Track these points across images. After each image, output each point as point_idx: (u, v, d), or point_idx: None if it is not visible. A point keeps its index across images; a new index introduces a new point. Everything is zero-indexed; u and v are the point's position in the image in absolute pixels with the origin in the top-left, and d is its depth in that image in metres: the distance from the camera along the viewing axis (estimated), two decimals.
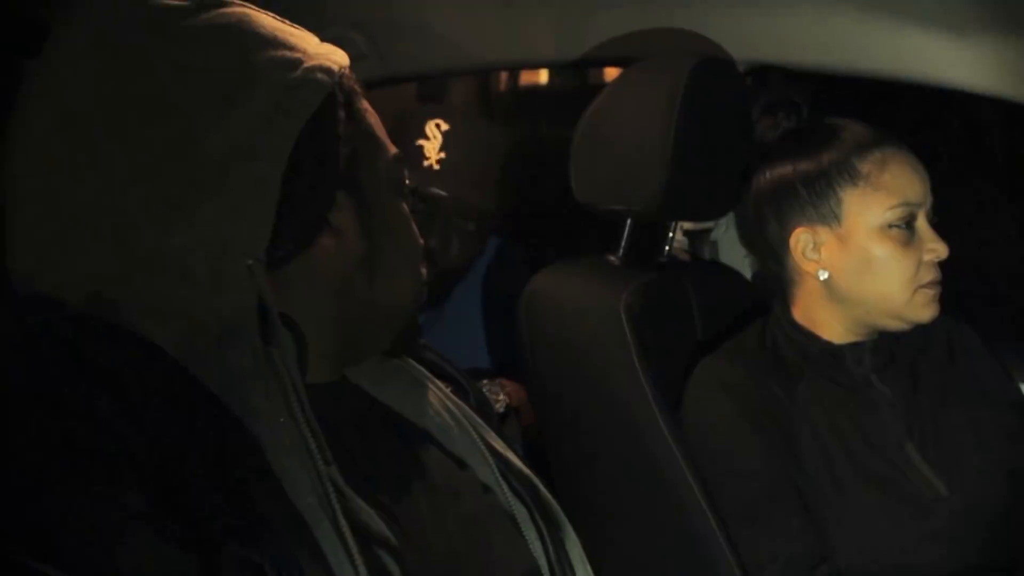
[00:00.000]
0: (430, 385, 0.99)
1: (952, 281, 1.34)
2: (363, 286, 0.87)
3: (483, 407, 1.08)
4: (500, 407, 1.72)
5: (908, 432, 1.33)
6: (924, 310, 1.33)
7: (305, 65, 0.82)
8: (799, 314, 1.41)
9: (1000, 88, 1.35)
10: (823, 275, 1.37)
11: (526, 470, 0.98)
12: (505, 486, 0.94)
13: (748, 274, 1.80)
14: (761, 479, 1.30)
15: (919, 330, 1.34)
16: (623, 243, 1.53)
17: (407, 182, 0.94)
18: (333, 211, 0.84)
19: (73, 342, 0.74)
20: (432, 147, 1.73)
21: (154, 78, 0.78)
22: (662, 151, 1.40)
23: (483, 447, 0.96)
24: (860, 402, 1.35)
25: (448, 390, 1.02)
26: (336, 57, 0.86)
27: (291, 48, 0.82)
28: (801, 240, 1.38)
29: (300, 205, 0.81)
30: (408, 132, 1.76)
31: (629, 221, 1.53)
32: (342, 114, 0.85)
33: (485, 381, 1.75)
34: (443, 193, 1.72)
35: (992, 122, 1.92)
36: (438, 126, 1.76)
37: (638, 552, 1.40)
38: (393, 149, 0.92)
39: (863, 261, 1.33)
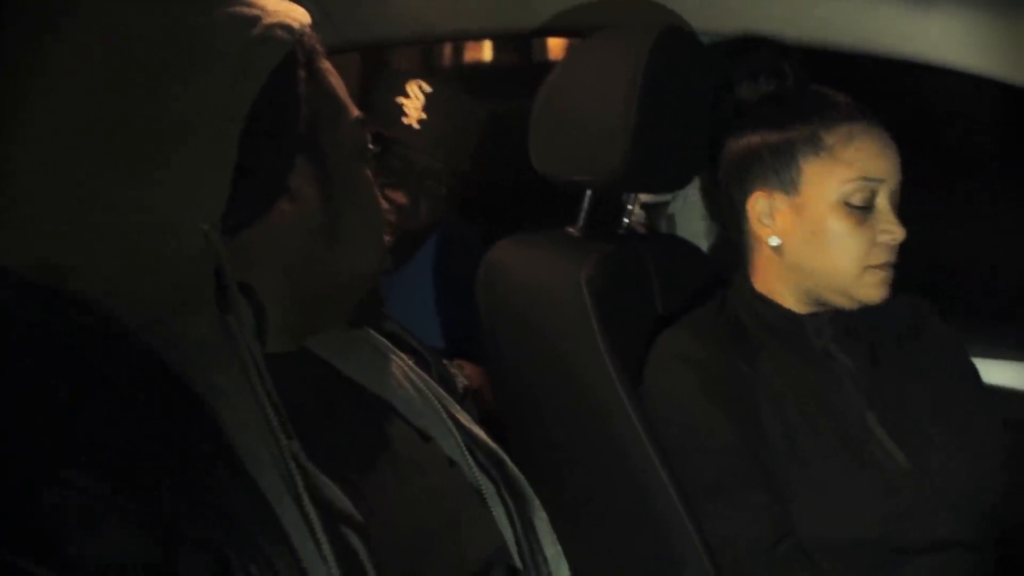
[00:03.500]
0: (392, 356, 0.96)
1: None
2: (323, 253, 0.84)
3: (445, 380, 1.06)
4: (458, 387, 1.69)
5: (869, 403, 1.33)
6: (872, 290, 1.32)
7: (264, 22, 0.78)
8: (758, 283, 1.40)
9: (967, 62, 1.34)
10: (774, 241, 1.36)
11: (492, 444, 0.96)
12: (471, 460, 0.92)
13: (705, 247, 1.79)
14: (724, 454, 1.29)
15: (880, 304, 1.34)
16: (583, 214, 1.50)
17: (371, 146, 0.91)
18: (292, 175, 0.80)
19: (17, 311, 0.70)
20: (413, 106, 1.70)
21: (110, 37, 0.73)
22: (624, 121, 1.37)
23: (448, 420, 0.94)
24: (821, 372, 1.34)
25: (411, 362, 1.00)
26: (296, 14, 0.82)
27: (249, 5, 0.79)
28: (758, 204, 1.37)
29: (258, 169, 0.77)
30: (390, 89, 1.72)
31: (589, 192, 1.50)
32: (302, 73, 0.81)
33: (444, 363, 1.71)
34: (421, 154, 1.68)
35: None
36: (420, 87, 1.72)
37: (602, 531, 1.38)
38: (356, 112, 0.88)
39: (814, 233, 1.32)
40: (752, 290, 1.40)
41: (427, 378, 0.97)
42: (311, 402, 0.85)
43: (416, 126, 1.69)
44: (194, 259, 0.73)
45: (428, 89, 1.71)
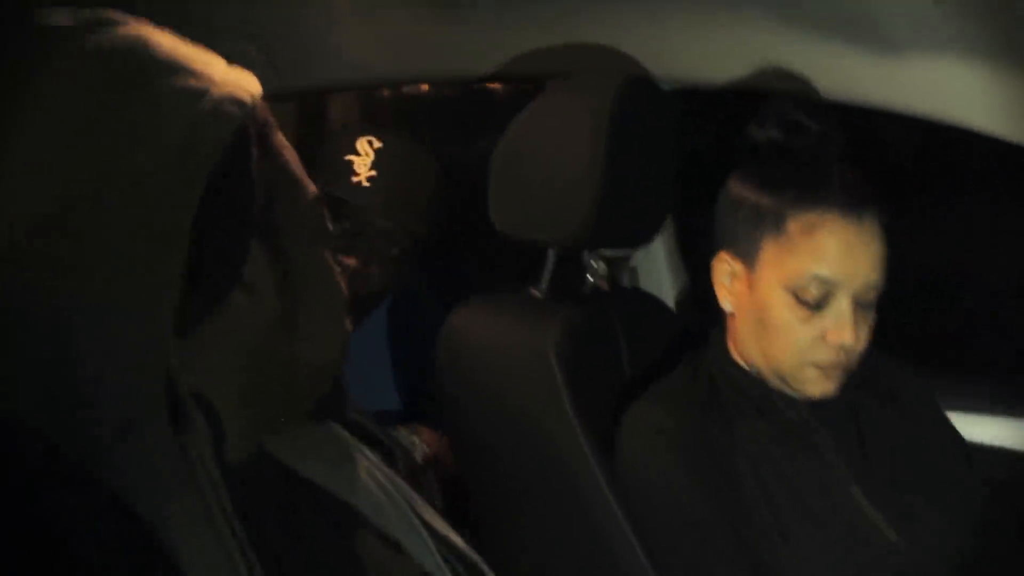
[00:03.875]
0: (359, 456, 0.88)
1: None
2: (282, 347, 0.75)
3: (414, 475, 0.98)
4: (418, 457, 1.60)
5: (855, 476, 1.26)
6: (811, 386, 1.25)
7: (213, 95, 0.70)
8: (733, 345, 1.33)
9: (938, 111, 1.30)
10: (727, 307, 1.31)
11: (470, 552, 0.88)
12: (448, 573, 0.84)
13: (670, 300, 1.73)
14: (703, 529, 1.22)
15: (857, 373, 1.28)
16: (546, 276, 1.43)
17: (329, 226, 0.83)
18: (247, 264, 0.72)
19: None
20: (363, 163, 1.61)
21: (38, 115, 0.65)
22: (589, 178, 1.31)
23: (421, 527, 0.85)
24: (801, 444, 1.28)
25: (377, 458, 0.91)
26: (247, 84, 0.74)
27: (196, 76, 0.70)
28: (723, 264, 1.30)
29: (211, 259, 0.69)
30: (340, 147, 1.63)
31: (552, 252, 1.43)
32: (255, 151, 0.73)
33: (401, 428, 1.63)
34: (371, 214, 1.59)
35: None
36: (370, 143, 1.63)
37: None
38: (313, 189, 0.80)
39: (759, 313, 1.25)
40: (726, 354, 1.33)
41: (396, 479, 0.89)
42: (270, 517, 0.76)
43: (366, 184, 1.60)
44: (142, 371, 0.65)
45: (378, 144, 1.63)
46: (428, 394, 1.52)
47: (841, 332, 1.20)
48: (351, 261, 1.60)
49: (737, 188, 1.28)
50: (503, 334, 1.36)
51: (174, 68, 0.69)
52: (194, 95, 0.69)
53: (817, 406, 1.28)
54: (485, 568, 0.87)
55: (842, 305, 1.20)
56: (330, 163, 1.62)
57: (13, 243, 0.63)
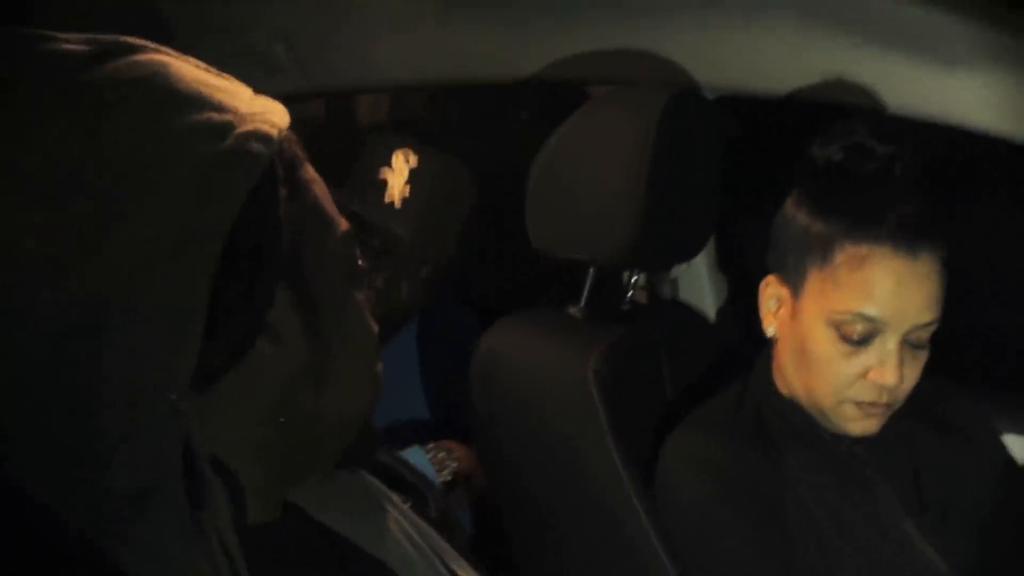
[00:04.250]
0: (387, 505, 0.83)
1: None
2: (308, 398, 0.70)
3: (446, 519, 0.92)
4: (448, 475, 1.55)
5: (907, 509, 1.20)
6: (850, 424, 1.18)
7: (237, 131, 0.64)
8: (777, 374, 1.27)
9: (993, 125, 1.23)
10: (770, 332, 1.24)
11: None
12: None
13: (711, 312, 1.66)
14: (745, 566, 1.16)
15: (913, 400, 1.21)
16: (585, 294, 1.37)
17: (360, 262, 0.78)
18: (273, 310, 0.66)
19: None
20: (397, 181, 1.54)
21: (42, 156, 0.59)
22: (632, 193, 1.25)
23: None
24: (852, 479, 1.21)
25: (407, 505, 0.86)
26: (274, 117, 0.68)
27: (219, 109, 0.64)
28: (769, 288, 1.24)
29: (233, 308, 0.63)
30: (374, 159, 1.56)
31: (592, 270, 1.37)
32: (284, 190, 0.67)
33: (431, 445, 1.57)
34: (402, 235, 1.53)
35: None
36: (407, 159, 1.55)
37: None
38: (344, 225, 0.75)
39: (800, 344, 1.18)
40: (771, 383, 1.27)
41: (427, 529, 0.84)
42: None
43: (398, 205, 1.54)
44: (157, 439, 0.60)
45: (414, 161, 1.56)
46: (460, 409, 1.46)
47: (884, 373, 1.13)
48: (378, 281, 1.55)
49: (791, 210, 1.21)
50: (539, 356, 1.30)
51: (195, 102, 0.63)
52: (216, 132, 0.63)
53: (869, 438, 1.21)
54: None
55: (888, 345, 1.13)
56: (362, 178, 1.55)
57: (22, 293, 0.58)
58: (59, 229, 0.58)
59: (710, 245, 1.66)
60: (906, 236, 1.12)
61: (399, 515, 0.83)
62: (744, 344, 1.37)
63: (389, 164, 1.56)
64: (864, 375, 1.14)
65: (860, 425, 1.18)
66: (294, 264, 0.68)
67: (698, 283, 1.66)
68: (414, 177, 1.54)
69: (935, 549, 1.18)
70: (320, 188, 0.74)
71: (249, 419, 0.68)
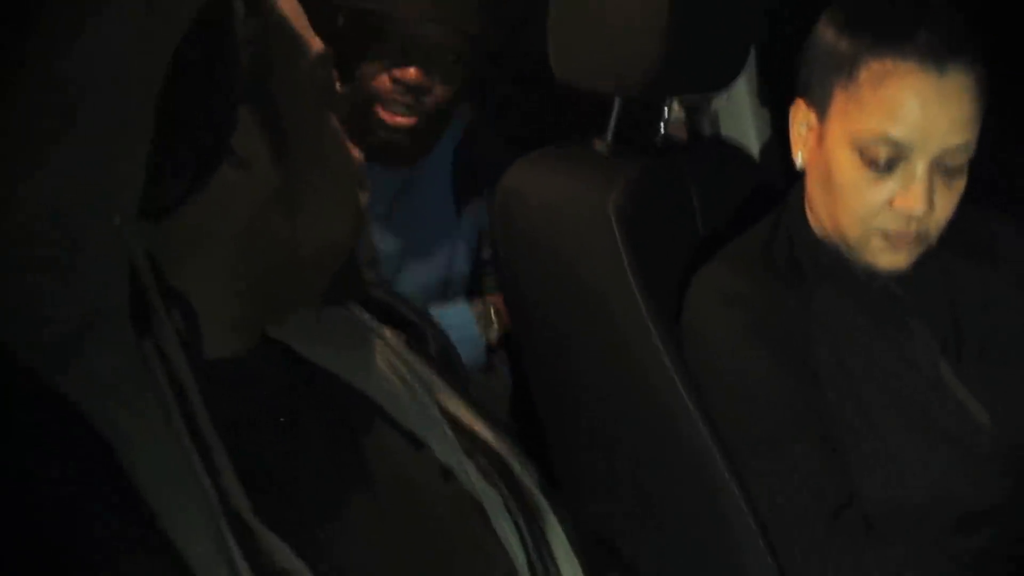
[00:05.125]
0: (376, 340, 0.80)
1: None
2: (281, 225, 0.68)
3: (446, 357, 0.90)
4: (492, 334, 1.53)
5: (942, 348, 1.14)
6: (879, 257, 1.11)
7: None
8: (809, 206, 1.19)
9: None
10: (798, 160, 1.17)
11: (497, 445, 0.80)
12: (471, 468, 0.77)
13: (755, 149, 1.59)
14: (774, 407, 1.12)
15: (953, 228, 1.13)
16: (612, 126, 1.31)
17: (337, 87, 0.74)
18: (236, 135, 0.64)
19: None
20: None
21: None
22: (656, 16, 1.17)
23: (443, 419, 0.78)
24: (884, 316, 1.15)
25: (402, 340, 0.84)
26: None
27: None
28: (799, 113, 1.16)
29: (189, 132, 0.61)
30: None
31: (618, 100, 1.30)
32: (240, 7, 0.63)
33: (478, 303, 1.54)
34: (417, 18, 1.41)
35: None
36: None
37: (635, 492, 1.23)
38: (317, 45, 0.70)
39: (826, 172, 1.11)
40: (802, 216, 1.20)
41: (419, 365, 0.82)
42: (267, 414, 0.71)
43: None
44: (103, 267, 0.58)
45: None
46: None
47: (910, 199, 1.06)
48: (411, 75, 1.44)
49: (821, 27, 1.12)
50: (560, 192, 1.25)
51: None
52: None
53: (904, 273, 1.15)
54: (513, 462, 0.80)
55: (916, 169, 1.05)
56: None
57: None
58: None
59: (752, 76, 1.57)
60: (934, 52, 1.03)
61: (389, 351, 0.81)
62: (786, 180, 1.29)
63: None
64: (890, 203, 1.07)
65: (889, 258, 1.11)
66: (258, 86, 0.65)
67: (740, 117, 1.58)
68: None
69: (970, 391, 1.13)
70: (290, 6, 0.69)
71: (217, 248, 0.66)
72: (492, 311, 1.55)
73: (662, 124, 1.37)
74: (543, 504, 0.79)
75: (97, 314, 0.58)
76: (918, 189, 1.05)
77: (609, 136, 1.31)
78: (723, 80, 1.37)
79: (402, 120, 1.46)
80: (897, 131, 1.04)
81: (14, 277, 0.57)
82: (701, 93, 1.51)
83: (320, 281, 0.75)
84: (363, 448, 0.73)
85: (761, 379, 1.13)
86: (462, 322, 1.53)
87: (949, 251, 1.17)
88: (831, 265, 1.16)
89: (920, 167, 1.05)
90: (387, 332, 0.82)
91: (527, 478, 0.80)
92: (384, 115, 1.45)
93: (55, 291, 0.58)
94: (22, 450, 0.55)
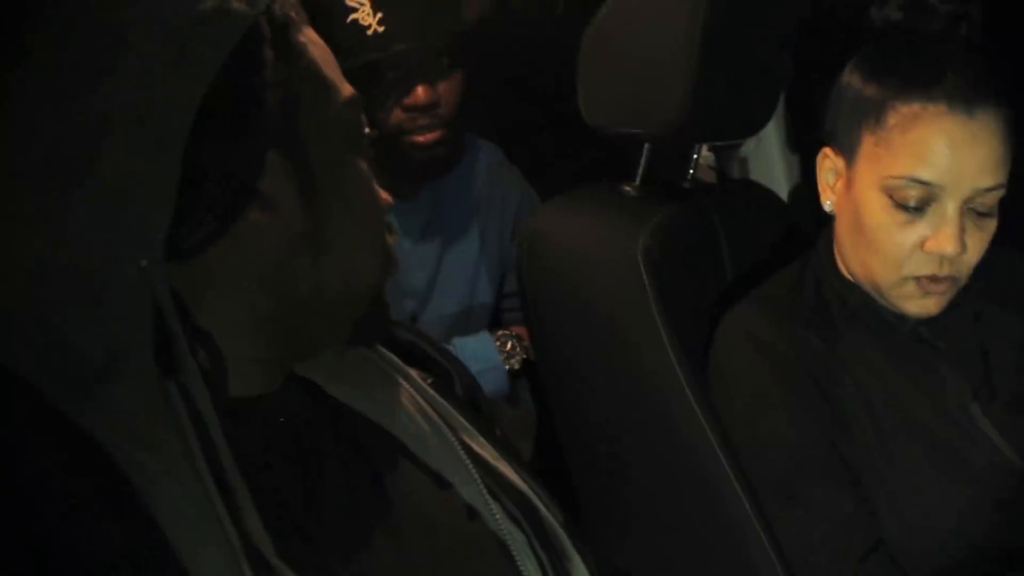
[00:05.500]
0: (401, 380, 0.81)
1: None
2: (306, 268, 0.68)
3: (472, 395, 0.90)
4: (516, 363, 1.54)
5: (973, 392, 1.14)
6: (908, 303, 1.12)
7: None
8: (838, 251, 1.20)
9: None
10: (827, 207, 1.18)
11: (523, 485, 0.81)
12: (496, 508, 0.77)
13: (784, 192, 1.59)
14: (798, 449, 1.12)
15: (981, 271, 1.13)
16: (641, 170, 1.32)
17: (367, 130, 0.75)
18: (263, 177, 0.65)
19: None
20: (365, 13, 1.45)
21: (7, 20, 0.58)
22: (687, 60, 1.18)
23: (468, 459, 0.78)
24: (914, 360, 1.15)
25: (427, 382, 0.84)
26: None
27: None
28: (826, 160, 1.17)
29: (216, 174, 0.62)
30: (335, 13, 1.44)
31: (647, 145, 1.31)
32: (270, 53, 0.65)
33: (500, 333, 1.55)
34: (398, 46, 1.44)
35: None
36: None
37: (656, 529, 1.23)
38: (347, 90, 0.72)
39: (855, 216, 1.12)
40: (831, 261, 1.21)
41: (444, 405, 0.82)
42: (290, 452, 0.71)
43: (379, 28, 1.42)
44: (127, 305, 0.59)
45: None
46: None
47: (941, 241, 1.06)
48: (422, 94, 1.46)
49: (847, 76, 1.13)
50: (589, 234, 1.26)
51: None
52: None
53: (934, 318, 1.15)
54: (538, 502, 0.80)
55: (947, 210, 1.06)
56: (337, 33, 1.45)
57: None
58: (23, 94, 0.58)
59: (781, 121, 1.58)
60: (962, 94, 1.04)
61: (414, 391, 0.81)
62: (815, 224, 1.30)
63: (347, 8, 1.44)
64: (922, 245, 1.08)
65: (920, 304, 1.11)
66: (288, 130, 0.66)
67: (769, 161, 1.59)
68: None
69: (1002, 434, 1.12)
70: (320, 51, 0.71)
71: (244, 289, 0.66)
72: (513, 340, 1.56)
73: (690, 167, 1.39)
74: (568, 545, 0.80)
75: (121, 352, 0.59)
76: (950, 230, 1.06)
77: (638, 179, 1.32)
78: (753, 127, 1.38)
79: (432, 136, 1.48)
80: (928, 173, 1.05)
81: (39, 313, 0.59)
82: (727, 140, 1.52)
83: (346, 323, 0.75)
84: (387, 487, 0.74)
85: (785, 422, 1.13)
86: (484, 352, 1.55)
87: (979, 297, 1.17)
88: (859, 309, 1.17)
89: (951, 208, 1.06)
90: (412, 372, 0.83)
91: (552, 518, 0.80)
92: (415, 139, 1.48)
93: (80, 328, 0.59)
94: (44, 487, 0.56)
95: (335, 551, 0.66)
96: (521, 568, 0.76)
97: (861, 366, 1.15)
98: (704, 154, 1.49)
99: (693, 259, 1.28)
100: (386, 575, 0.68)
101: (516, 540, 0.77)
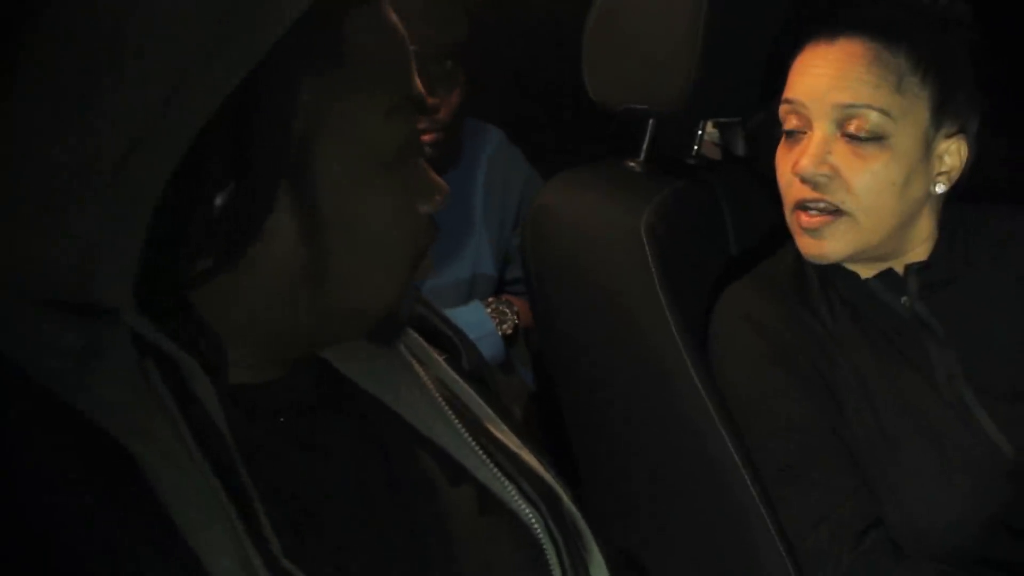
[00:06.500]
0: (415, 360, 0.80)
1: None
2: (307, 298, 0.65)
3: (479, 371, 0.89)
4: (508, 328, 1.55)
5: (966, 374, 1.14)
6: (800, 243, 1.14)
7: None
8: None
9: None
10: None
11: (541, 470, 0.80)
12: (513, 490, 0.76)
13: None
14: (798, 430, 1.12)
15: (989, 240, 1.13)
16: (645, 146, 1.32)
17: (425, 138, 0.71)
18: (270, 216, 0.61)
19: None
20: None
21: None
22: (691, 38, 1.18)
23: (484, 441, 0.77)
24: (907, 340, 1.16)
25: (441, 358, 0.83)
26: None
27: None
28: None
29: (221, 215, 0.59)
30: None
31: (652, 121, 1.31)
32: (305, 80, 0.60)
33: (491, 300, 1.56)
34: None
35: None
36: None
37: (661, 511, 1.24)
38: (417, 86, 0.67)
39: None
40: None
41: (463, 385, 0.81)
42: (301, 439, 0.69)
43: None
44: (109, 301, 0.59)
45: None
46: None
47: (801, 158, 1.10)
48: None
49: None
50: (593, 211, 1.26)
51: None
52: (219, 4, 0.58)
53: (924, 289, 1.16)
54: (558, 489, 0.79)
55: (817, 135, 1.10)
56: None
57: None
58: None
59: None
60: (831, 28, 1.11)
61: (428, 370, 0.80)
62: None
63: None
64: (793, 169, 1.12)
65: (807, 243, 1.13)
66: (300, 158, 0.61)
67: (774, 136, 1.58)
68: None
69: (993, 419, 1.11)
70: (385, 38, 0.65)
71: (247, 316, 0.64)
72: (503, 305, 1.57)
73: (695, 143, 1.39)
74: (584, 528, 0.79)
75: (104, 342, 0.58)
76: (809, 147, 1.10)
77: (642, 155, 1.32)
78: (753, 104, 1.38)
79: (427, 138, 1.48)
80: (791, 92, 1.12)
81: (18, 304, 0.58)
82: (731, 116, 1.52)
83: (358, 332, 0.73)
84: (400, 472, 0.73)
85: (782, 403, 1.13)
86: (477, 320, 1.56)
87: (976, 275, 1.17)
88: (853, 289, 1.17)
89: (817, 128, 1.10)
90: (433, 352, 0.82)
91: (568, 501, 0.79)
92: None
93: (60, 322, 0.58)
94: (48, 477, 0.55)
95: (346, 543, 0.66)
96: (537, 552, 0.74)
97: (857, 346, 1.15)
98: (709, 130, 1.48)
99: (697, 235, 1.28)
100: (400, 565, 0.68)
101: (533, 523, 0.74)
